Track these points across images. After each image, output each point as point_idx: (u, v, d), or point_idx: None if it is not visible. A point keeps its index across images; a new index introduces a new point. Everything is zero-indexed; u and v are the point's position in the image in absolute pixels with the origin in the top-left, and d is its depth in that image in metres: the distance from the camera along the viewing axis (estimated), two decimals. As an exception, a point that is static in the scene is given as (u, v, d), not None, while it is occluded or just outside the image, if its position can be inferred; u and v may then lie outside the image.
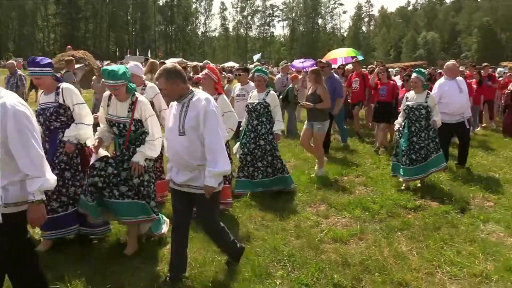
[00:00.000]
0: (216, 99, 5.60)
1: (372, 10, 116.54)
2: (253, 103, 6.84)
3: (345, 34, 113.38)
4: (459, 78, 8.21)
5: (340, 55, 18.48)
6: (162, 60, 16.18)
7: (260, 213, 6.07)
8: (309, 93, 8.09)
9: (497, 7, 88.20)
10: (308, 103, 7.84)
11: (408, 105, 7.19)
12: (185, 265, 4.23)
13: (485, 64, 15.32)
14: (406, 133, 7.17)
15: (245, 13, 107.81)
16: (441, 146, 7.81)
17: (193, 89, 4.02)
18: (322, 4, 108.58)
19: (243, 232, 5.39)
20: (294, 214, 6.08)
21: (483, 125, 14.24)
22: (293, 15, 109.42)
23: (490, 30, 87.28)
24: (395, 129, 7.59)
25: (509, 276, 4.28)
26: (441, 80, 8.31)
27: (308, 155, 9.16)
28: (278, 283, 4.17)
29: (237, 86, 8.61)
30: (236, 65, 55.36)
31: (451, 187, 7.35)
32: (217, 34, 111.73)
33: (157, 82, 4.06)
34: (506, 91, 12.58)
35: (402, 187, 7.18)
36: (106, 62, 21.57)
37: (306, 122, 8.21)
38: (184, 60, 53.12)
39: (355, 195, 6.95)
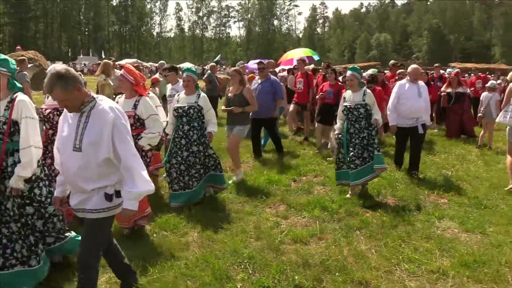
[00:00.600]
0: (137, 101, 5.38)
1: (326, 12, 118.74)
2: (184, 106, 6.31)
3: (300, 35, 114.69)
4: (421, 83, 8.06)
5: (297, 55, 18.61)
6: (113, 59, 15.81)
7: (219, 215, 6.00)
8: (231, 95, 7.77)
9: (446, 10, 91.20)
10: (237, 107, 7.54)
11: (346, 106, 6.82)
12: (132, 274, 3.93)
13: (436, 65, 15.67)
14: (345, 142, 6.82)
15: (200, 14, 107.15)
16: (397, 151, 7.94)
17: (94, 95, 3.30)
18: (277, 5, 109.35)
19: (201, 235, 5.29)
20: (253, 215, 6.04)
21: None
22: (249, 16, 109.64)
23: (439, 31, 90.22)
24: (334, 136, 7.38)
25: (464, 272, 4.38)
26: (402, 81, 8.15)
27: (268, 156, 9.14)
28: (239, 286, 4.11)
29: (168, 86, 8.42)
30: (192, 66, 55.22)
31: (406, 185, 7.48)
32: (172, 35, 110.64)
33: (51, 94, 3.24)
34: (442, 94, 12.51)
35: (348, 196, 6.78)
36: (59, 63, 21.03)
37: (227, 127, 7.96)
38: (139, 60, 52.37)
39: (314, 195, 6.97)
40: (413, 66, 8.29)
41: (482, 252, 4.82)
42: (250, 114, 8.11)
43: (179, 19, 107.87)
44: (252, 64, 22.56)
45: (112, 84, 9.85)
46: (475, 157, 9.96)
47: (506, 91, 7.45)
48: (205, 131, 6.41)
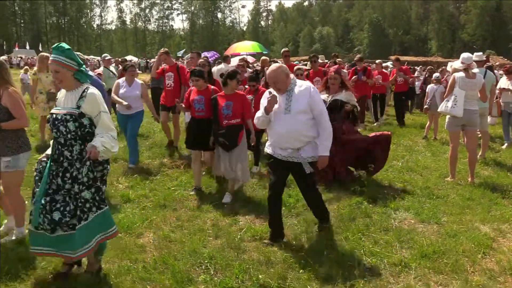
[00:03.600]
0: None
1: (270, 5, 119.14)
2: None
3: (244, 29, 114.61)
4: (302, 89, 5.02)
5: (245, 50, 18.49)
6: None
7: (175, 213, 5.79)
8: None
9: (385, 4, 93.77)
10: None
11: None
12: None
13: (378, 61, 15.09)
14: None
15: (142, 6, 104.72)
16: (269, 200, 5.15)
17: None
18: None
19: (158, 235, 5.07)
20: (210, 212, 5.87)
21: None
22: (192, 8, 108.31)
23: (379, 26, 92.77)
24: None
25: (425, 263, 4.41)
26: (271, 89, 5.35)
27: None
28: (201, 288, 3.95)
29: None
30: (135, 59, 53.92)
31: (359, 177, 7.54)
32: (114, 27, 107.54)
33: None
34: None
35: None
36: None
37: None
38: (80, 54, 50.33)
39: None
40: (273, 67, 4.84)
41: (440, 243, 4.88)
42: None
43: (121, 11, 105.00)
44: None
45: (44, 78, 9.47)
46: (423, 147, 10.22)
47: (449, 82, 7.62)
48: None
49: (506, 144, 10.30)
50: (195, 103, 6.62)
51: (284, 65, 4.84)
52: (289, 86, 4.77)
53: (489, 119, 10.34)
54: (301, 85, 4.82)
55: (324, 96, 6.94)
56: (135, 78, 8.28)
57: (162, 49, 9.67)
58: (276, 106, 4.75)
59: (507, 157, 9.31)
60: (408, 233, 5.19)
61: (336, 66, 7.72)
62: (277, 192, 4.97)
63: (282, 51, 11.51)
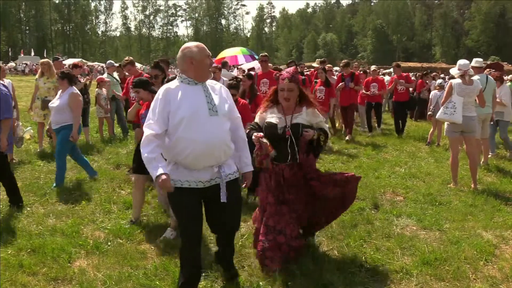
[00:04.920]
0: None
1: (273, 12, 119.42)
2: None
3: (248, 35, 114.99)
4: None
5: (231, 54, 18.49)
6: (61, 59, 15.16)
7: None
8: None
9: (389, 11, 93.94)
10: None
11: None
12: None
13: (373, 67, 14.37)
14: None
15: (147, 12, 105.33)
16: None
17: None
18: (224, 5, 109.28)
19: (159, 242, 5.07)
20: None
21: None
22: (196, 15, 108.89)
23: (383, 32, 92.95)
24: None
25: (427, 270, 4.39)
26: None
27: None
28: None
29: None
30: (139, 66, 54.07)
31: (361, 183, 7.47)
32: (118, 34, 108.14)
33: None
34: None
35: None
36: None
37: None
38: (84, 60, 50.82)
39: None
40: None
41: (442, 250, 4.86)
42: None
43: (125, 17, 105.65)
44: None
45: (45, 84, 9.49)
46: (426, 154, 10.19)
47: (446, 88, 7.61)
48: None
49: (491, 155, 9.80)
50: (142, 119, 5.38)
51: (192, 47, 3.59)
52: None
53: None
54: (212, 82, 3.79)
55: (273, 117, 4.52)
56: (71, 86, 7.23)
57: (127, 57, 8.74)
58: (190, 103, 3.48)
59: (510, 164, 9.27)
60: (410, 239, 5.17)
61: (291, 69, 4.64)
62: (198, 266, 3.80)
63: (260, 55, 11.18)
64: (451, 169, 7.58)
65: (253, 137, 4.26)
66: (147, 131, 3.45)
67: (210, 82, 3.72)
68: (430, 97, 11.52)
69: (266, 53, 11.22)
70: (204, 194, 3.60)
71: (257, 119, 4.66)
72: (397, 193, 7.11)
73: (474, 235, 5.32)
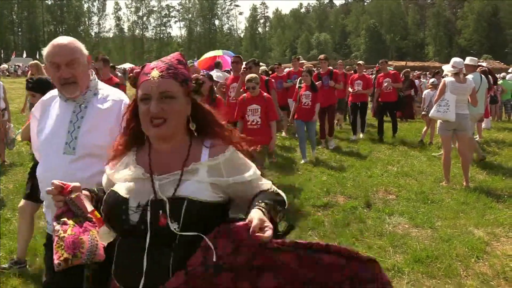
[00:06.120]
0: None
1: (267, 12, 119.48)
2: None
3: (242, 35, 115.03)
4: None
5: (214, 54, 18.39)
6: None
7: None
8: None
9: (382, 10, 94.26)
10: None
11: None
12: None
13: (359, 62, 12.83)
14: None
15: (140, 13, 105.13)
16: None
17: None
18: (218, 5, 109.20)
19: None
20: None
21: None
22: (190, 16, 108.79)
23: (376, 31, 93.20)
24: None
25: (419, 268, 4.41)
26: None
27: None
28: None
29: None
30: (130, 66, 53.86)
31: (354, 182, 7.54)
32: (111, 35, 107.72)
33: None
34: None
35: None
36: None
37: None
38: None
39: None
40: None
41: (433, 247, 4.88)
42: None
43: (118, 18, 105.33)
44: None
45: None
46: (418, 152, 10.22)
47: (439, 86, 7.65)
48: None
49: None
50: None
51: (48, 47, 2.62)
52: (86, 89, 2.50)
53: (483, 123, 10.38)
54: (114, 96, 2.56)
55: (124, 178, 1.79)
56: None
57: (100, 55, 8.22)
58: (49, 130, 2.49)
59: (502, 161, 9.31)
60: (402, 237, 5.19)
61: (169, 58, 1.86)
62: None
63: (233, 56, 10.48)
64: (443, 168, 7.61)
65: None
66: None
67: (103, 98, 2.51)
68: (423, 96, 11.54)
69: (239, 55, 10.07)
70: None
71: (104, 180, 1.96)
72: (390, 191, 7.13)
73: (466, 233, 5.35)
